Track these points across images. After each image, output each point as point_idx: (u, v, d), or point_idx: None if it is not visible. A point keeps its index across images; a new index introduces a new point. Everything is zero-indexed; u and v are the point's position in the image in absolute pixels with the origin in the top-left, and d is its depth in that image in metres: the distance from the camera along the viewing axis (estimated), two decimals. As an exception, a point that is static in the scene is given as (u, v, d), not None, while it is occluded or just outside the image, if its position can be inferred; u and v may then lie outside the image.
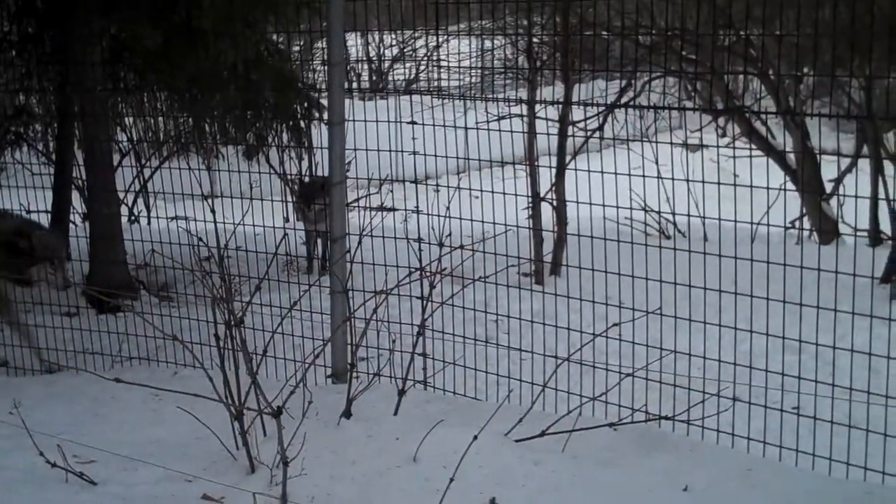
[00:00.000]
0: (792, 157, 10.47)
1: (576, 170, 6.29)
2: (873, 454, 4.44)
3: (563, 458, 4.21)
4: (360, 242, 5.00)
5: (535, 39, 8.91)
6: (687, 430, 4.62)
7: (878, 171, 9.58)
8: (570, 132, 8.65)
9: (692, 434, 4.66)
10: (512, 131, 5.87)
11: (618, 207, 5.63)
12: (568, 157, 8.54)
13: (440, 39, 10.96)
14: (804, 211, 10.30)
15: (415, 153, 5.40)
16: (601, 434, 4.41)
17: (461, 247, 4.87)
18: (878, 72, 7.19)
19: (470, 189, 5.38)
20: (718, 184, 5.06)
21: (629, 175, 5.32)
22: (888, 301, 7.44)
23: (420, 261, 4.98)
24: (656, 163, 6.91)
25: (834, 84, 8.28)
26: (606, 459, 4.26)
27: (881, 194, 9.61)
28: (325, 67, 5.92)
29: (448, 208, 5.07)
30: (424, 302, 4.76)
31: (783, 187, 5.74)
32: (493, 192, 5.33)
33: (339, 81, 5.39)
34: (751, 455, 4.56)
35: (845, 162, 11.34)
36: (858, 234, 9.53)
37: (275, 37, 8.04)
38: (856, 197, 5.86)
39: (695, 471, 4.16)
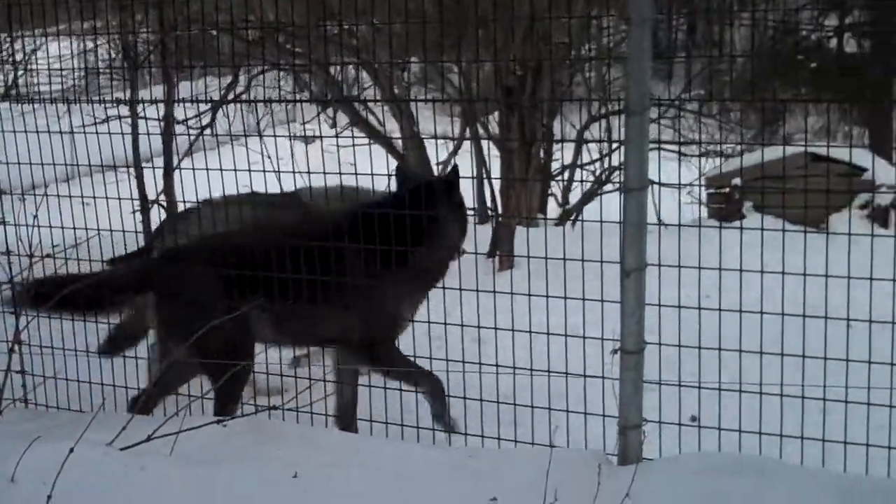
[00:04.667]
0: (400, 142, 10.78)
1: (181, 169, 6.20)
2: (488, 422, 4.68)
3: (171, 461, 4.14)
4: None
5: (133, 38, 8.69)
6: (297, 417, 4.67)
7: (479, 151, 10.06)
8: (178, 131, 8.49)
9: (303, 421, 4.71)
10: (110, 133, 5.74)
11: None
12: (179, 157, 8.39)
13: (37, 42, 10.50)
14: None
15: (-2, 163, 5.12)
16: (211, 432, 4.36)
17: (50, 255, 4.68)
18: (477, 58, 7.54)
19: (58, 195, 5.17)
20: (313, 172, 5.14)
21: (233, 170, 5.26)
22: (494, 274, 7.83)
23: (10, 274, 4.75)
24: (270, 157, 6.94)
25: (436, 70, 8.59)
26: (217, 456, 4.23)
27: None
28: None
29: (36, 217, 4.86)
30: (17, 316, 4.56)
31: (389, 173, 5.89)
32: (82, 196, 5.15)
33: None
34: (360, 436, 4.67)
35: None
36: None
37: None
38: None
39: (305, 457, 4.21)
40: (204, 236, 5.40)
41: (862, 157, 9.87)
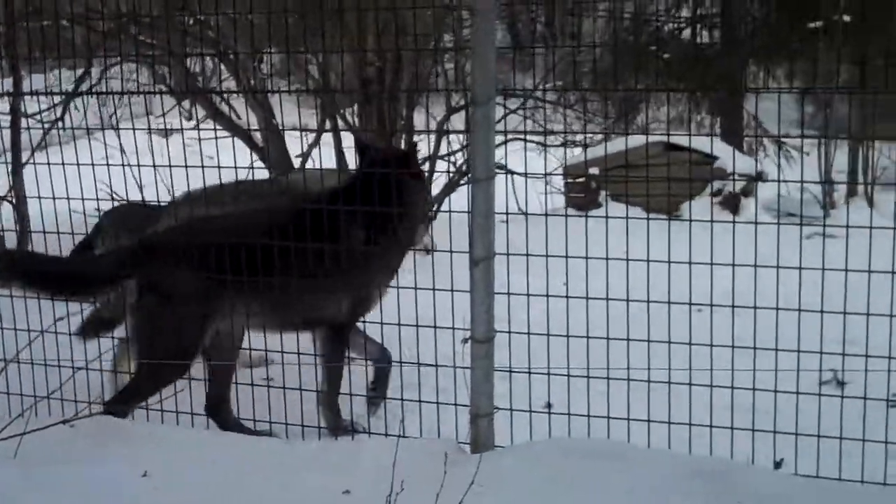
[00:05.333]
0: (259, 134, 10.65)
1: (27, 164, 6.04)
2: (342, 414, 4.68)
3: (15, 463, 4.03)
4: None
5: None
6: (147, 415, 4.59)
7: (339, 143, 10.01)
8: (25, 125, 8.27)
9: (152, 419, 4.64)
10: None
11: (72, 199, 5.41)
12: (28, 152, 8.17)
13: None
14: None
15: None
16: (57, 433, 4.24)
17: None
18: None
19: None
20: (172, 166, 5.08)
21: (76, 165, 5.15)
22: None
23: None
24: (123, 151, 6.79)
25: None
26: (64, 457, 4.14)
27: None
28: None
29: None
30: None
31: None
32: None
33: None
34: (210, 432, 4.64)
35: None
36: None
37: None
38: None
39: (155, 455, 4.15)
40: (192, 220, 5.19)
41: (715, 146, 10.12)
